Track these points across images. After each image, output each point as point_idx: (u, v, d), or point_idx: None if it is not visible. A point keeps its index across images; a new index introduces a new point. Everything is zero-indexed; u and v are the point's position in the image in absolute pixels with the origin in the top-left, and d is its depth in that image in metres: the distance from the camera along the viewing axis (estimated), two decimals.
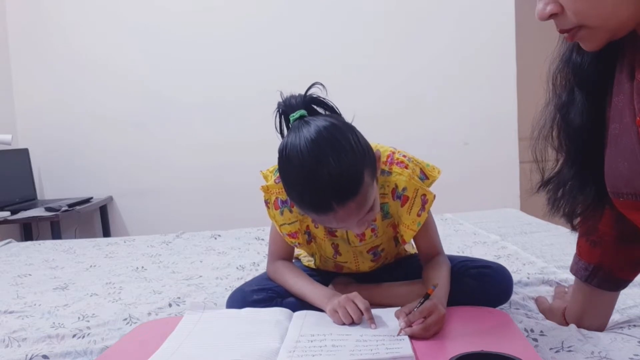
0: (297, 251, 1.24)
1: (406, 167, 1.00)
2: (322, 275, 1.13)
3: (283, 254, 1.11)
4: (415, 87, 2.85)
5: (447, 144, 2.81)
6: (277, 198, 1.03)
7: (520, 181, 2.88)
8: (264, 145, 2.82)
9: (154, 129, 2.93)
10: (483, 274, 1.00)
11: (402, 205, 1.00)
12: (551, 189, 0.78)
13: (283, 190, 0.94)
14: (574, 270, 0.88)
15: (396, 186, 1.00)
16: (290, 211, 1.02)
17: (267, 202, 1.05)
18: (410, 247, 1.21)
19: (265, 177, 1.08)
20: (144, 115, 2.93)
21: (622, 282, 0.85)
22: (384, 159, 1.01)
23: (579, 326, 0.86)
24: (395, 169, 1.00)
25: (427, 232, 1.05)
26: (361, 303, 0.91)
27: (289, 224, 1.03)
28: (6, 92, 2.91)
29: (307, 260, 1.21)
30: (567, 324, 0.89)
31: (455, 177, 2.82)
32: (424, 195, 0.99)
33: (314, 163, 0.82)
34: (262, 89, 2.87)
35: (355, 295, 0.93)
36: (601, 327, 0.87)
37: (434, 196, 1.01)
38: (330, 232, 1.06)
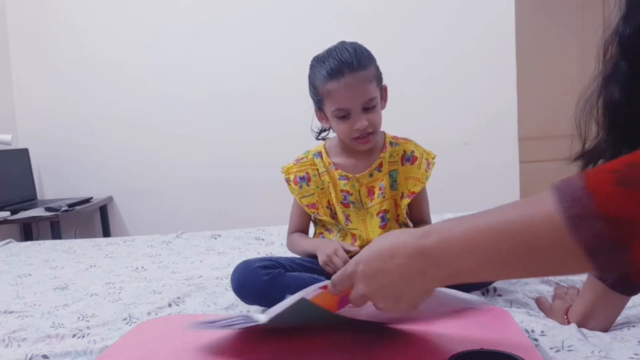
0: None
1: (408, 141, 1.26)
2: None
3: (298, 228, 1.29)
4: (414, 86, 2.85)
5: (447, 144, 2.81)
6: (295, 176, 1.23)
7: (521, 181, 2.88)
8: (265, 146, 2.84)
9: (154, 129, 2.94)
10: None
11: (412, 164, 1.22)
12: (585, 160, 0.74)
13: (301, 168, 1.23)
14: None
15: (404, 152, 1.23)
16: (308, 185, 1.23)
17: (287, 180, 1.25)
18: None
19: (284, 168, 1.27)
20: (144, 115, 2.93)
21: (636, 288, 0.84)
22: (390, 138, 1.24)
23: (581, 326, 0.86)
24: (401, 141, 1.25)
25: (421, 202, 1.26)
26: (342, 256, 1.08)
27: (307, 196, 1.23)
28: (6, 91, 2.91)
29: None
30: (568, 323, 0.89)
31: (455, 177, 2.82)
32: (427, 159, 1.23)
33: (339, 45, 1.13)
34: (261, 89, 2.88)
35: (338, 249, 1.09)
36: (603, 331, 0.87)
37: (434, 156, 1.24)
38: (344, 203, 1.21)
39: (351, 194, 1.21)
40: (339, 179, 1.22)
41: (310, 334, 0.83)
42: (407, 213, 1.28)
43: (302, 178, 1.23)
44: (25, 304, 1.22)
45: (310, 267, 1.15)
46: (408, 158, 1.23)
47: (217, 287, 1.28)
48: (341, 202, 1.22)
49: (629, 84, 0.66)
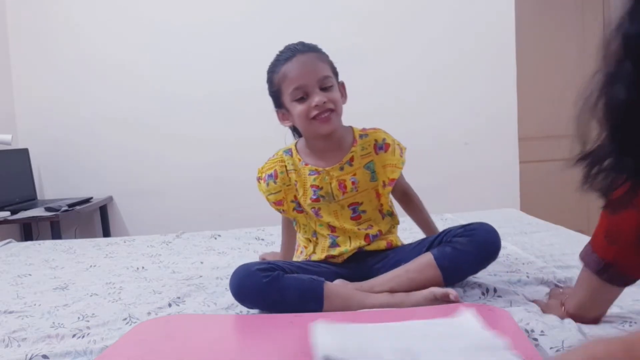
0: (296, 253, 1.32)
1: (377, 130, 1.27)
2: (321, 270, 1.17)
3: (284, 220, 1.35)
4: (414, 86, 2.85)
5: (447, 144, 2.81)
6: (265, 174, 1.26)
7: (520, 181, 2.88)
8: (265, 146, 2.82)
9: (154, 129, 2.93)
10: (469, 229, 1.10)
11: (386, 151, 1.23)
12: (588, 163, 0.71)
13: (270, 166, 1.25)
14: (585, 260, 0.87)
15: (376, 141, 1.24)
16: (275, 182, 1.24)
17: (258, 179, 1.27)
18: (399, 240, 1.27)
19: (259, 169, 1.30)
20: (144, 115, 2.93)
21: (632, 280, 0.84)
22: (359, 132, 1.25)
23: (576, 314, 0.87)
24: (370, 131, 1.26)
25: (401, 181, 1.30)
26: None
27: (273, 193, 1.25)
28: (6, 91, 2.91)
29: (307, 254, 1.26)
30: (565, 314, 0.90)
31: (455, 177, 2.82)
32: (399, 145, 1.25)
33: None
34: (261, 88, 2.88)
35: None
36: (598, 319, 0.88)
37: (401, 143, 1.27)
38: (313, 199, 1.22)
39: (321, 188, 1.21)
40: (309, 174, 1.22)
41: None
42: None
43: (270, 175, 1.25)
44: (25, 304, 1.22)
45: (308, 269, 1.14)
46: (381, 146, 1.23)
47: (217, 287, 1.28)
48: (311, 199, 1.22)
49: (634, 83, 0.63)
